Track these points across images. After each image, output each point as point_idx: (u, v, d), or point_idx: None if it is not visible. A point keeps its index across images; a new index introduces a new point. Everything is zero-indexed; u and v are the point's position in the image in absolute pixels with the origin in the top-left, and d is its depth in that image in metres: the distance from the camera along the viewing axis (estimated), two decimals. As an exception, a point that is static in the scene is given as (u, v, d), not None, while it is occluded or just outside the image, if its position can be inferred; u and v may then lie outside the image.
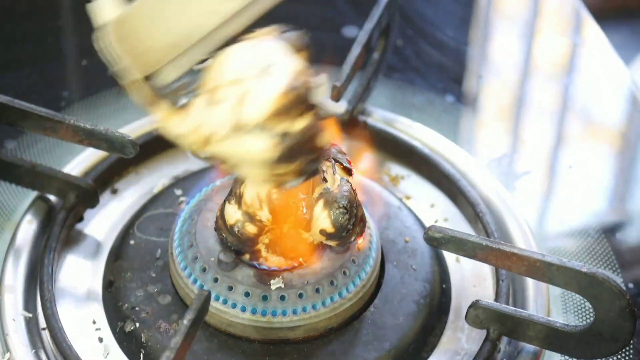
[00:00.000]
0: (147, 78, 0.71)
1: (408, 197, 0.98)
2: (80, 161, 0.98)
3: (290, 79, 0.69)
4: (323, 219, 0.79)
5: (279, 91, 0.69)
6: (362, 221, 0.82)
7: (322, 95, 0.71)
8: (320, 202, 0.79)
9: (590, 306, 0.79)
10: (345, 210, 0.79)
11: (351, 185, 0.81)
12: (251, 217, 0.80)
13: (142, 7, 0.70)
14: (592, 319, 0.79)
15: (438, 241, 0.81)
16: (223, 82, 0.70)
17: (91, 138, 0.87)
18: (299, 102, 0.69)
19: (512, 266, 0.80)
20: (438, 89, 1.12)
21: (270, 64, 0.69)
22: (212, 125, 0.70)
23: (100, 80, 1.10)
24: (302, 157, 0.72)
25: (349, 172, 0.82)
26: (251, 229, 0.80)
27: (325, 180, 0.80)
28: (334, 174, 0.81)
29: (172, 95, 0.71)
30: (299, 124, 0.70)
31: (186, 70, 0.71)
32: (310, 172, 0.74)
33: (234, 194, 0.81)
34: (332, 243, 0.82)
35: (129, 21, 0.70)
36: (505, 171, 1.02)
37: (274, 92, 0.69)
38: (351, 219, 0.80)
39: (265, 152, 0.71)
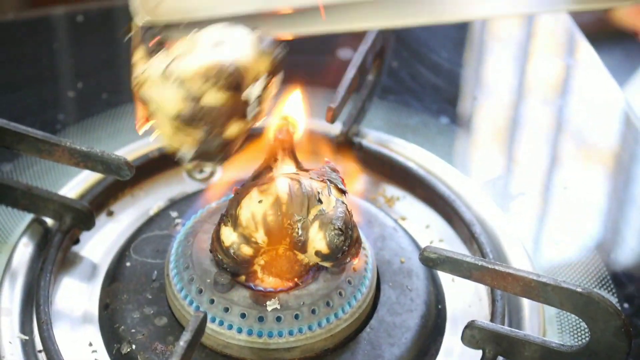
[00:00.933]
0: (145, 26, 0.78)
1: (403, 218, 0.99)
2: (76, 184, 0.98)
3: (226, 57, 0.74)
4: (318, 241, 0.80)
5: (210, 59, 0.74)
6: (357, 242, 0.83)
7: (256, 93, 0.76)
8: (316, 224, 0.80)
9: (586, 326, 0.79)
10: (340, 232, 0.80)
11: (346, 207, 0.82)
12: (247, 239, 0.80)
13: None
14: (587, 339, 0.80)
15: (433, 262, 0.81)
16: (181, 42, 0.76)
17: (87, 160, 0.88)
18: (221, 77, 0.74)
19: (507, 286, 0.80)
20: (432, 111, 1.12)
21: (225, 42, 0.75)
22: (152, 70, 0.76)
23: (95, 103, 1.11)
24: (202, 126, 0.75)
25: (342, 192, 0.83)
26: (247, 250, 0.81)
27: (320, 201, 0.81)
28: (329, 195, 0.81)
29: (149, 46, 0.77)
30: (213, 96, 0.74)
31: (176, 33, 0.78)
32: (207, 149, 0.77)
33: (230, 215, 0.81)
34: (327, 264, 0.83)
35: None
36: (500, 192, 1.02)
37: (206, 59, 0.74)
38: (346, 241, 0.80)
39: (173, 104, 0.75)
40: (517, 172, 1.07)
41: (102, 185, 0.97)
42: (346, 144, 1.02)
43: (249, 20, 0.78)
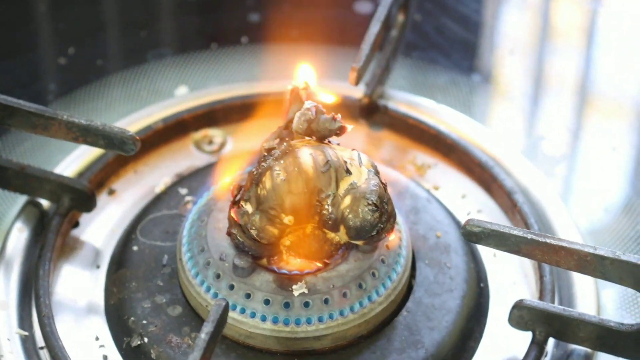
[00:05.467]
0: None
1: (436, 188, 0.98)
2: (72, 160, 0.97)
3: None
4: (351, 218, 0.78)
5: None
6: (392, 217, 0.81)
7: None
8: (347, 199, 0.78)
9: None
10: (375, 207, 0.78)
11: (380, 178, 0.80)
12: (271, 219, 0.78)
13: None
14: (649, 316, 0.79)
15: (477, 236, 0.80)
16: None
17: (87, 135, 0.86)
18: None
19: (560, 261, 0.79)
20: (463, 68, 1.11)
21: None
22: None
23: (89, 71, 1.10)
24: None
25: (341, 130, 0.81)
26: (272, 231, 0.79)
27: (349, 172, 0.79)
28: (360, 165, 0.79)
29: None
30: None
31: None
32: None
33: (250, 194, 0.79)
34: (359, 242, 0.81)
35: None
36: (542, 156, 1.01)
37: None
38: (382, 216, 0.79)
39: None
40: (560, 133, 1.05)
41: (102, 161, 0.96)
42: (370, 108, 1.01)
43: None
